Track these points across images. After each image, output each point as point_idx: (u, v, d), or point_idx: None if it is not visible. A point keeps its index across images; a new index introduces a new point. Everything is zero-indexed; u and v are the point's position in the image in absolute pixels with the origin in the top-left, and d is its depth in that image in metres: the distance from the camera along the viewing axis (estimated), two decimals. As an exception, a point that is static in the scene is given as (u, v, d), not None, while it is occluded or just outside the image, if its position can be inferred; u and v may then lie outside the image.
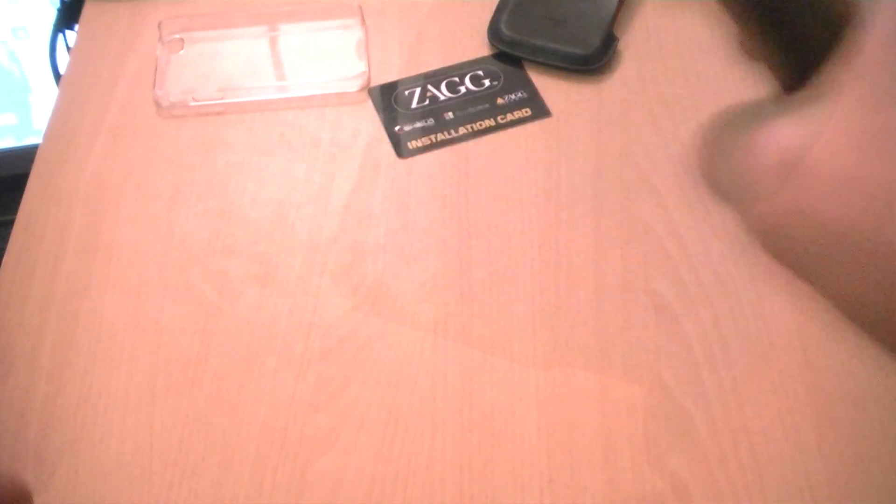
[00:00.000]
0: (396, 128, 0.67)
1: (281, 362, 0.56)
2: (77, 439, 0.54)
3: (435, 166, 0.65)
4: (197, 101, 0.68)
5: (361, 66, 0.69)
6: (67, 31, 0.77)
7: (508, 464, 0.52)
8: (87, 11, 0.74)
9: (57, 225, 0.63)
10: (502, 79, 0.69)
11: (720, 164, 0.33)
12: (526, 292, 0.58)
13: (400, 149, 0.65)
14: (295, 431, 0.54)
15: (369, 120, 0.67)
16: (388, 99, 0.68)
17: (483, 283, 0.59)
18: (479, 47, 0.71)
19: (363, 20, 0.72)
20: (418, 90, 0.69)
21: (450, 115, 0.67)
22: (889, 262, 0.28)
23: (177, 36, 0.71)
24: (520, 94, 0.68)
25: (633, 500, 0.51)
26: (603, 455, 0.52)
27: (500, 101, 0.68)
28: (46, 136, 0.67)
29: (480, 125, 0.66)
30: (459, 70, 0.70)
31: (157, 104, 0.68)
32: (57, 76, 0.76)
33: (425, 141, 0.66)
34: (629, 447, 0.52)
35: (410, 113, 0.67)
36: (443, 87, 0.69)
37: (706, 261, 0.59)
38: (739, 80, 0.67)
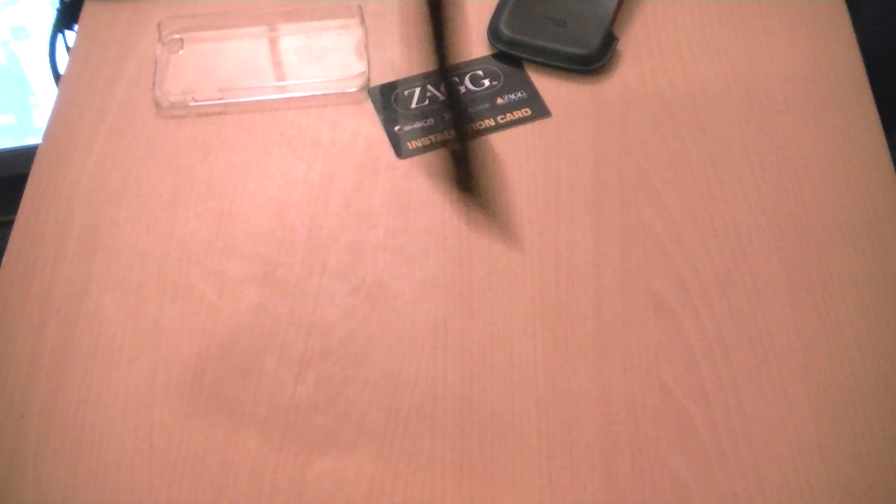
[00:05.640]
0: (396, 128, 0.67)
1: (281, 363, 0.56)
2: (77, 439, 0.54)
3: (434, 166, 0.64)
4: (197, 101, 0.68)
5: (361, 67, 0.69)
6: (67, 32, 0.77)
7: (508, 464, 0.52)
8: (87, 11, 0.74)
9: (57, 225, 0.63)
10: (502, 79, 0.69)
11: None
12: (526, 292, 0.58)
13: (399, 149, 0.65)
14: (295, 431, 0.54)
15: (369, 120, 0.67)
16: (387, 99, 0.68)
17: (483, 283, 0.59)
18: (479, 47, 0.71)
19: (363, 20, 0.72)
20: (418, 90, 0.69)
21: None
22: None
23: (176, 36, 0.71)
24: (520, 94, 0.68)
25: (633, 500, 0.51)
26: (603, 455, 0.52)
27: (499, 101, 0.68)
28: (46, 136, 0.67)
29: (480, 125, 0.66)
30: (459, 70, 0.70)
31: (157, 104, 0.68)
32: (57, 76, 0.76)
33: (425, 141, 0.66)
34: (629, 447, 0.52)
35: (410, 113, 0.67)
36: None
37: (706, 261, 0.59)
38: (740, 80, 0.67)
